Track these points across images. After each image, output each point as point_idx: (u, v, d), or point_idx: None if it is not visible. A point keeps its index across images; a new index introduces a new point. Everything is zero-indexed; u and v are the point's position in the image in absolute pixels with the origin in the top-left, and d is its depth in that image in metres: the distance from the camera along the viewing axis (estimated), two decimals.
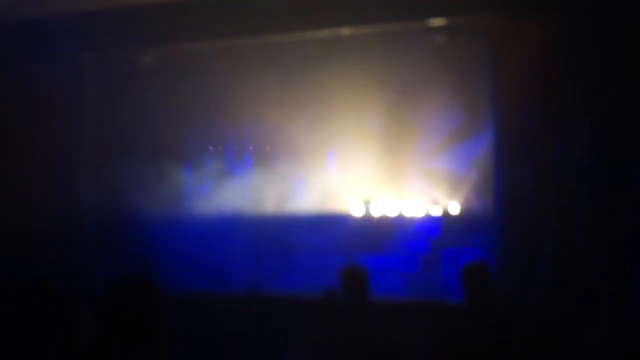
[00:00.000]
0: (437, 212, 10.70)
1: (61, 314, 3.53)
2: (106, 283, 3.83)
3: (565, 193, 7.97)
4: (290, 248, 10.78)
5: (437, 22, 8.83)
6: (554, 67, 7.97)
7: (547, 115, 8.06)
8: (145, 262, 9.09)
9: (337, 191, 10.80)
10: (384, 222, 10.77)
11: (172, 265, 9.48)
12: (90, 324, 3.57)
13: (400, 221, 10.76)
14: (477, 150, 10.39)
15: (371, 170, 10.68)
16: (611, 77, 7.79)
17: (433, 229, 10.74)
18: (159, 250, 9.66)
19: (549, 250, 7.88)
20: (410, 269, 10.47)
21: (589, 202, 7.79)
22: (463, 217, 10.53)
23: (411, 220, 10.77)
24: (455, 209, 10.69)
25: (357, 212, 10.79)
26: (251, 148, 11.33)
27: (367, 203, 10.74)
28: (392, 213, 10.75)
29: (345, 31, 8.97)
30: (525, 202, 8.22)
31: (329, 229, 10.62)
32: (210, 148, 11.25)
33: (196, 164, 11.14)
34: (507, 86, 8.22)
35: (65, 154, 9.60)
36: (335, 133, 10.67)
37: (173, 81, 10.60)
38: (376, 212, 10.79)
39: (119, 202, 9.72)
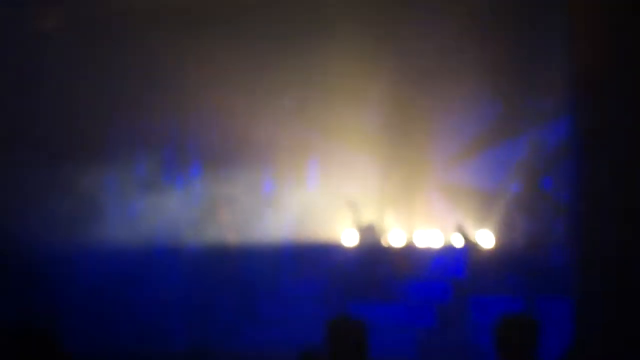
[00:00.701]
0: (461, 243, 10.13)
1: None
2: None
3: None
4: (254, 291, 10.06)
5: None
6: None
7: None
8: (43, 308, 8.91)
9: (322, 213, 10.19)
10: (387, 256, 10.24)
11: (82, 312, 9.15)
12: None
13: (410, 255, 10.22)
14: (521, 156, 10.01)
15: (370, 184, 10.27)
16: None
17: (455, 267, 10.10)
18: (63, 291, 9.30)
19: None
20: (423, 323, 9.79)
21: None
22: (498, 250, 9.97)
23: (425, 254, 10.24)
24: (487, 239, 10.09)
25: (350, 242, 10.29)
26: (200, 151, 10.60)
27: (364, 230, 10.21)
28: (399, 244, 10.28)
29: None
30: (608, 230, 7.23)
31: (310, 266, 9.99)
32: (141, 150, 10.37)
33: (119, 172, 10.28)
34: (585, 68, 7.44)
35: None
36: (320, 132, 10.33)
37: (85, 52, 9.78)
38: (377, 243, 10.35)
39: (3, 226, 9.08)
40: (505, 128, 10.23)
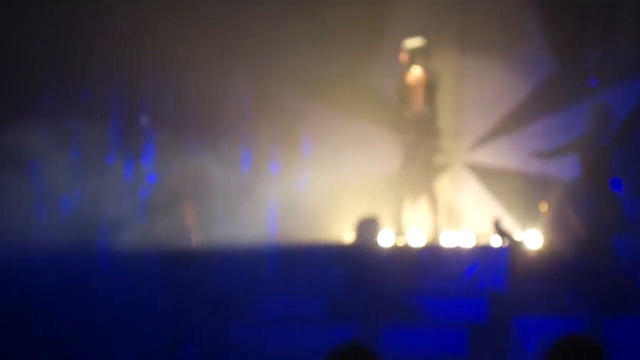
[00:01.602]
0: (500, 244, 9.36)
1: None
2: None
3: None
4: (227, 312, 9.08)
5: None
6: None
7: None
8: None
9: (317, 206, 9.75)
10: (404, 261, 9.45)
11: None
12: None
13: (433, 261, 9.58)
14: (581, 129, 9.24)
15: (381, 167, 9.90)
16: None
17: (494, 277, 9.28)
18: None
19: None
20: (452, 350, 8.88)
21: None
22: (549, 255, 9.12)
23: (454, 258, 9.59)
24: (534, 239, 9.33)
25: (355, 244, 9.47)
26: (156, 128, 10.01)
27: (370, 227, 9.15)
28: (418, 244, 9.76)
29: None
30: None
31: (300, 277, 9.18)
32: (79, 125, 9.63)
33: (51, 156, 9.42)
34: None
35: None
36: (313, 108, 10.19)
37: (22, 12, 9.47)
38: (390, 244, 9.77)
39: None
40: (559, 92, 9.91)
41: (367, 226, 9.49)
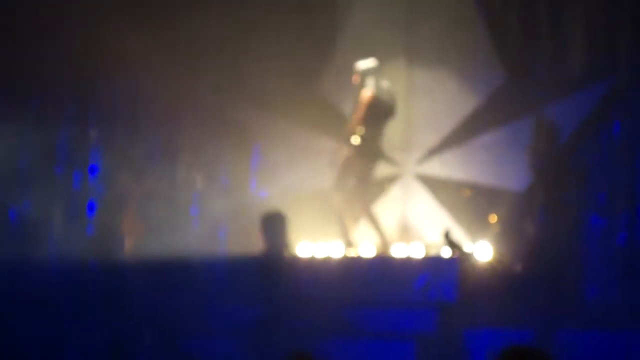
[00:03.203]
0: (450, 255, 9.31)
1: None
2: None
3: None
4: (175, 325, 8.93)
5: None
6: None
7: None
8: None
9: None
10: (353, 273, 9.25)
11: None
12: None
13: (383, 271, 9.27)
14: (529, 140, 9.50)
15: (328, 177, 9.68)
16: None
17: (444, 288, 9.10)
18: None
19: None
20: None
21: None
22: (499, 266, 9.23)
23: (404, 269, 9.35)
24: (484, 251, 9.35)
25: (304, 255, 9.65)
26: (102, 134, 9.91)
27: (278, 230, 9.15)
28: (367, 255, 9.64)
29: None
30: None
31: (248, 287, 8.81)
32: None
33: None
34: None
35: None
36: (263, 118, 10.20)
37: None
38: (340, 254, 9.63)
39: None
40: (508, 104, 9.75)
41: (273, 226, 9.33)
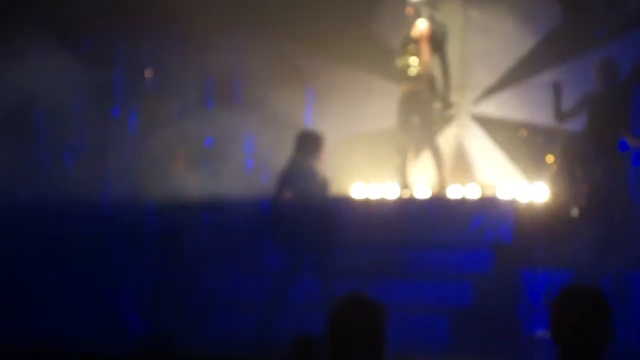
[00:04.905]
0: (506, 196, 9.50)
1: None
2: None
3: None
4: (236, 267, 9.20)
5: None
6: None
7: None
8: None
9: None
10: (407, 214, 9.44)
11: None
12: None
13: (438, 213, 9.47)
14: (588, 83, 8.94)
15: (384, 125, 9.86)
16: None
17: (500, 229, 9.19)
18: None
19: None
20: (456, 302, 8.86)
21: None
22: (556, 207, 9.06)
23: (459, 211, 9.49)
24: (540, 192, 9.36)
25: (361, 196, 9.82)
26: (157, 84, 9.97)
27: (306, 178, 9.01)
28: (422, 196, 9.67)
29: None
30: None
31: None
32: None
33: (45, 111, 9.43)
34: None
35: None
36: (317, 61, 10.28)
37: None
38: (395, 197, 9.72)
39: None
40: (565, 43, 9.77)
41: (300, 175, 9.07)
